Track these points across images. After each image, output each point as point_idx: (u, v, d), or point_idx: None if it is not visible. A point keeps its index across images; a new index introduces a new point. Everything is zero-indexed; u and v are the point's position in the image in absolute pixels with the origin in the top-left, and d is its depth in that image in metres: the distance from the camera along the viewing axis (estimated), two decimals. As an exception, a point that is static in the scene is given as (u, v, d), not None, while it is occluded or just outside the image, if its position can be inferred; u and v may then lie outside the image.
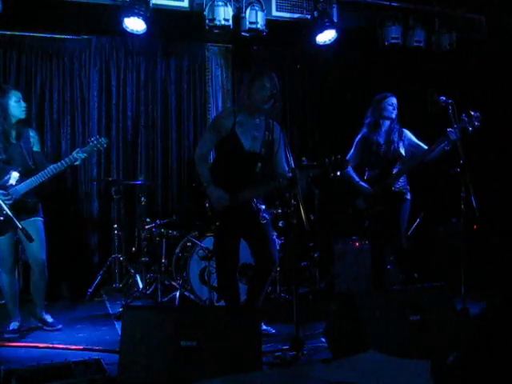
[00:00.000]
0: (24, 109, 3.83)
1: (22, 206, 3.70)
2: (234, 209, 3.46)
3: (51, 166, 3.74)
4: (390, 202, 4.18)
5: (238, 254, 3.64)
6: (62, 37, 5.62)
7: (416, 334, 2.98)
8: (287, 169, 3.51)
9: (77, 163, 3.82)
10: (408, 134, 4.33)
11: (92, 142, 3.89)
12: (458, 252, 4.01)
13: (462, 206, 3.88)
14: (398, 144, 4.23)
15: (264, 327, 3.66)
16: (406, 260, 4.28)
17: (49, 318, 3.95)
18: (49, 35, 5.56)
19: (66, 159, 3.77)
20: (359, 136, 4.40)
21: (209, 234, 4.58)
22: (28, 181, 3.70)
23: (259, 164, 3.60)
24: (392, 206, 4.18)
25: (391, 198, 4.19)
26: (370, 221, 4.29)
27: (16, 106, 3.76)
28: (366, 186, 4.26)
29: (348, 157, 4.35)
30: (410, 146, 4.29)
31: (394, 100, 4.31)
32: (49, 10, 4.95)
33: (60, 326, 3.92)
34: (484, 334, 1.83)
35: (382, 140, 4.27)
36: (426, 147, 4.20)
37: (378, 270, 4.30)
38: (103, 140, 3.91)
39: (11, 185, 3.67)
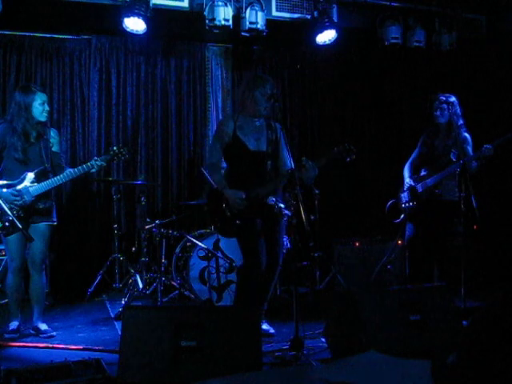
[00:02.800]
0: (46, 113, 3.79)
1: (33, 208, 3.68)
2: (253, 207, 3.52)
3: (67, 171, 3.70)
4: (428, 201, 4.21)
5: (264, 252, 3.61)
6: (62, 37, 5.62)
7: (416, 334, 2.98)
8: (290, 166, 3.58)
9: (93, 171, 3.76)
10: (467, 140, 4.22)
11: (113, 150, 3.83)
12: (458, 252, 4.02)
13: (462, 206, 3.88)
14: (449, 148, 4.19)
15: (264, 327, 3.67)
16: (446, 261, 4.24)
17: (43, 326, 3.83)
18: (49, 35, 5.56)
19: (84, 166, 3.71)
20: (422, 136, 4.45)
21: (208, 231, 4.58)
22: (42, 184, 3.67)
23: (269, 163, 3.69)
24: (429, 207, 4.21)
25: (430, 197, 4.21)
26: (405, 215, 4.34)
27: (39, 108, 3.73)
28: (410, 182, 4.32)
29: (411, 156, 4.50)
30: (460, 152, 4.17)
31: (440, 101, 4.20)
32: (49, 10, 4.95)
33: (54, 333, 3.80)
34: (484, 334, 1.83)
35: (436, 142, 4.28)
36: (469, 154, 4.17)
37: (415, 267, 4.32)
38: (124, 151, 3.84)
39: (25, 186, 3.65)
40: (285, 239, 4.16)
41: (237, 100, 3.79)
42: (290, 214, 3.64)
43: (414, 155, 4.52)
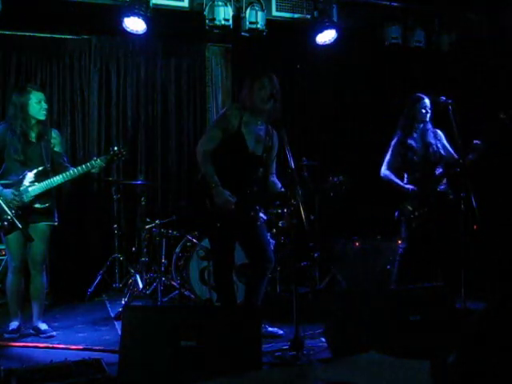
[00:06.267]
0: (44, 111, 3.76)
1: (31, 208, 3.67)
2: (237, 211, 3.43)
3: (67, 172, 3.69)
4: (437, 203, 4.18)
5: (234, 254, 3.66)
6: (62, 37, 5.63)
7: (416, 334, 2.98)
8: (276, 179, 3.70)
9: (94, 171, 3.75)
10: (442, 135, 4.30)
11: (113, 151, 3.83)
12: (458, 252, 4.01)
13: (462, 206, 3.88)
14: (436, 145, 4.22)
15: (271, 329, 3.68)
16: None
17: (43, 326, 3.82)
18: (49, 35, 5.57)
19: (83, 166, 3.70)
20: (395, 140, 4.39)
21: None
22: (42, 183, 3.66)
23: (261, 169, 3.63)
24: (439, 208, 4.19)
25: (437, 199, 4.19)
26: (416, 223, 4.24)
27: (36, 107, 3.70)
28: (412, 187, 4.24)
29: (385, 161, 4.40)
30: (443, 148, 4.27)
31: (427, 102, 4.25)
32: (49, 10, 4.95)
33: (54, 333, 3.80)
34: (484, 334, 1.83)
35: (418, 143, 4.26)
36: (452, 151, 4.23)
37: (406, 271, 4.28)
38: (124, 150, 3.85)
39: (24, 186, 3.64)
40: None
41: (239, 100, 3.71)
42: (266, 218, 3.62)
43: (389, 159, 4.40)
